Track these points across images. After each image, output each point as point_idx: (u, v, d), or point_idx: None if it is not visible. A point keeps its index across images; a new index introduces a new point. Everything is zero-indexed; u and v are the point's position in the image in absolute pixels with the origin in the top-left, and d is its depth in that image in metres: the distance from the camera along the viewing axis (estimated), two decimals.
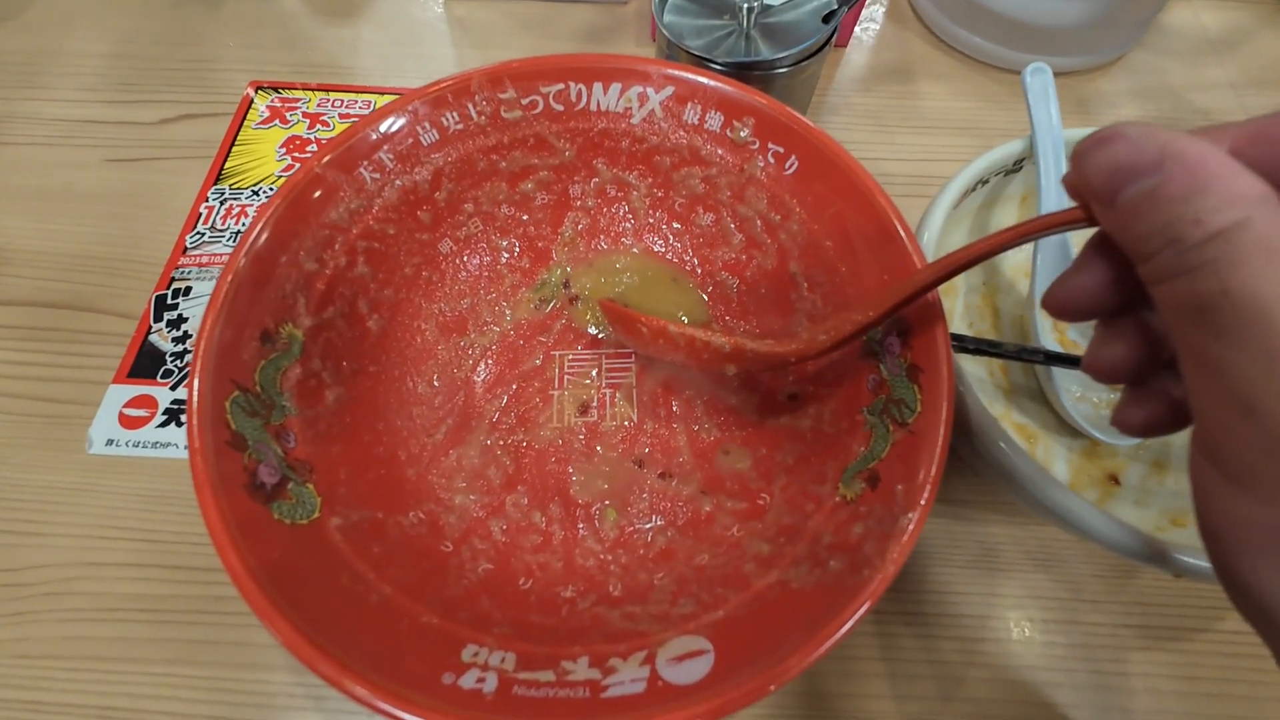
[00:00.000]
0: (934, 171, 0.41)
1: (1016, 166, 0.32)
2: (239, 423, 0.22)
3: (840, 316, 0.23)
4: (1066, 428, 0.31)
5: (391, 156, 0.28)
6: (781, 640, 0.19)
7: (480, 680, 0.19)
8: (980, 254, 0.19)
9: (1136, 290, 0.16)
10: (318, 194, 0.26)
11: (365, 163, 0.27)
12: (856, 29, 0.46)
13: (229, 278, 0.23)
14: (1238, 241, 0.12)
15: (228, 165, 0.39)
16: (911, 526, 0.20)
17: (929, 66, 0.45)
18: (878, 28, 0.47)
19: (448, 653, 0.20)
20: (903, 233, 0.25)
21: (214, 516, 0.19)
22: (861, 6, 0.45)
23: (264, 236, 0.24)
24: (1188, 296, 0.13)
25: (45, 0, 0.46)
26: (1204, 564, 0.23)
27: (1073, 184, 0.16)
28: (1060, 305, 0.18)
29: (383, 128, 0.27)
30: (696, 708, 0.18)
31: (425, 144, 0.28)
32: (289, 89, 0.42)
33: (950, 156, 0.42)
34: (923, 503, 0.20)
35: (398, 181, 0.28)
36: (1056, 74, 0.31)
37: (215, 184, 0.39)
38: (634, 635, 0.21)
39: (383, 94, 0.43)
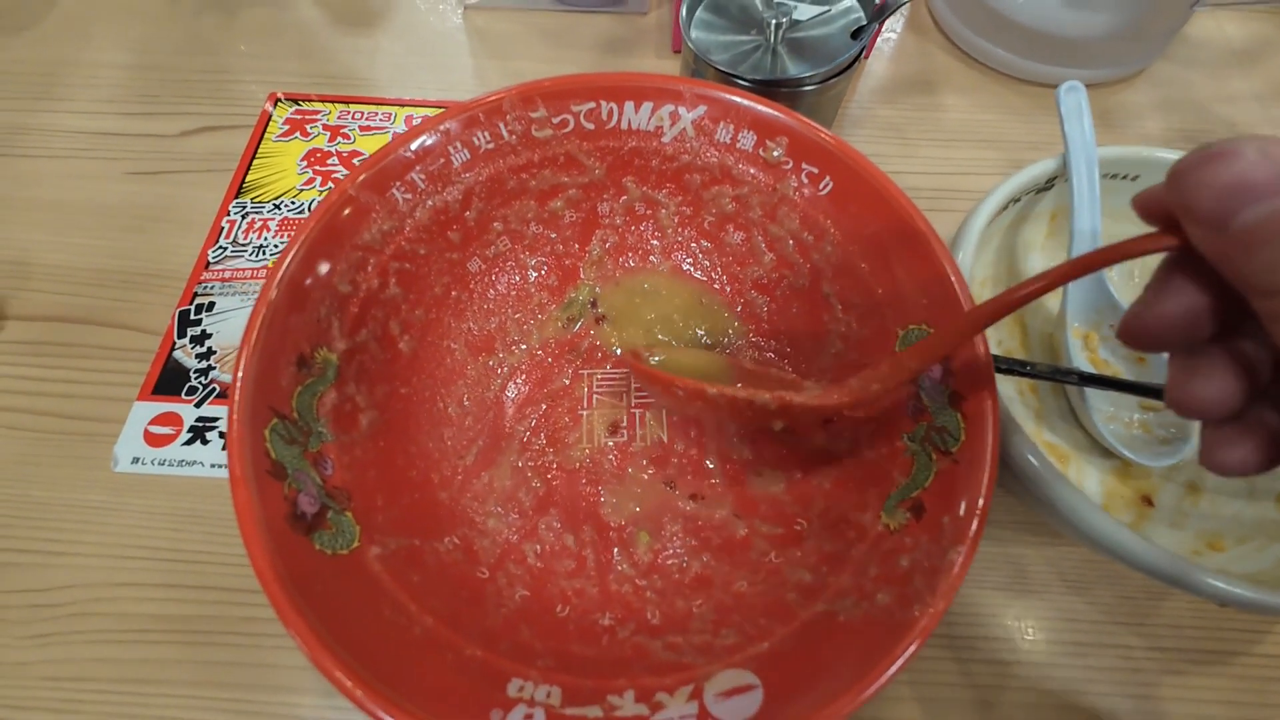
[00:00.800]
0: (957, 185, 0.40)
1: (1048, 184, 0.32)
2: (279, 451, 0.21)
3: (892, 362, 0.22)
4: (1098, 448, 0.31)
5: (423, 177, 0.27)
6: (832, 676, 0.19)
7: (528, 717, 0.19)
8: (1046, 287, 0.18)
9: (1233, 318, 0.14)
10: (347, 212, 0.26)
11: (397, 183, 0.27)
12: (878, 40, 0.46)
13: (265, 303, 0.23)
14: None
15: (249, 179, 0.39)
16: (960, 560, 0.20)
17: (950, 78, 0.45)
18: (897, 38, 0.47)
19: (493, 688, 0.19)
20: (943, 258, 0.24)
21: (259, 551, 0.19)
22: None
23: (299, 259, 0.24)
24: None
25: (62, 10, 0.46)
26: (1243, 591, 0.23)
27: (1152, 204, 0.14)
28: (1141, 337, 0.16)
29: (414, 147, 0.27)
30: None
31: (456, 164, 0.28)
32: (308, 101, 0.42)
33: (973, 170, 0.41)
34: (971, 535, 0.20)
35: (429, 201, 0.28)
36: None
37: (236, 197, 0.38)
38: (678, 668, 0.21)
39: (403, 106, 0.42)
